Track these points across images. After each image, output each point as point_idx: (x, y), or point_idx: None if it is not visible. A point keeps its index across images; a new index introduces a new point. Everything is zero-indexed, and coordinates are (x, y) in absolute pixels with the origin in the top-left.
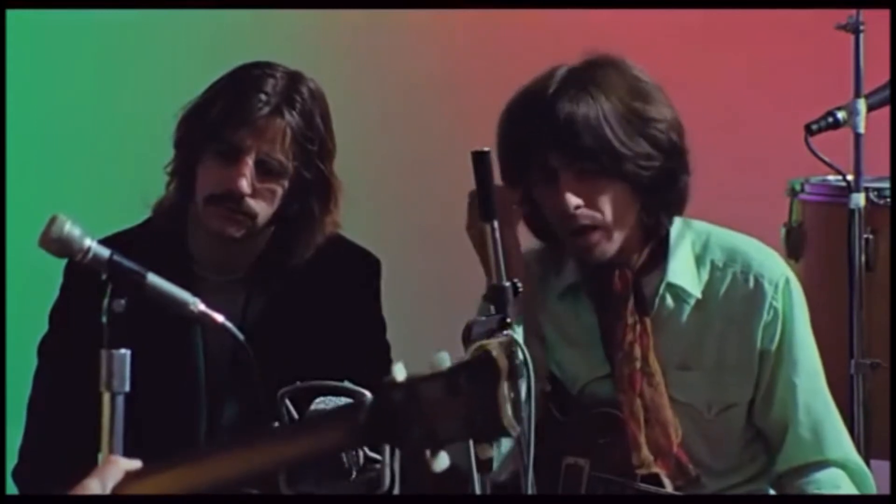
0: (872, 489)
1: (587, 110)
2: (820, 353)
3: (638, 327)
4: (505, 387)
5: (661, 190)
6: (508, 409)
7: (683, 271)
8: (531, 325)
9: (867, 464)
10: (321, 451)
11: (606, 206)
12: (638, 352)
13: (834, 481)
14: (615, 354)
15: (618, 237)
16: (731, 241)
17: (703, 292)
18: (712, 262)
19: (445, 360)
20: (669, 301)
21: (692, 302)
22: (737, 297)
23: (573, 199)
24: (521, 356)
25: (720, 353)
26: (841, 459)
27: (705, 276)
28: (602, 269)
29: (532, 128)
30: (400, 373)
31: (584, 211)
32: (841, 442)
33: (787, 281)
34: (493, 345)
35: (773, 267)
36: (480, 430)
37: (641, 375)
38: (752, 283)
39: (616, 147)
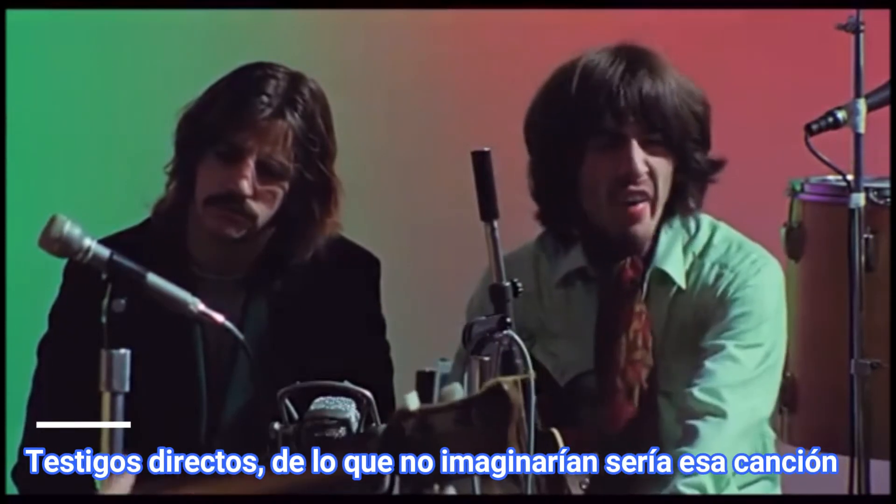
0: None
1: (664, 86)
2: (820, 353)
3: (643, 316)
4: (515, 422)
5: (696, 180)
6: (517, 445)
7: (672, 259)
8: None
9: (868, 464)
10: (332, 478)
11: (659, 181)
12: (640, 340)
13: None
14: (614, 341)
15: (655, 218)
16: (722, 235)
17: (685, 281)
18: (693, 253)
19: (458, 392)
20: (655, 287)
21: (674, 290)
22: (700, 286)
23: (643, 165)
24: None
25: (682, 343)
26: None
27: (687, 265)
28: (612, 255)
29: (606, 95)
30: (412, 402)
31: (645, 178)
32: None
33: (752, 263)
34: (507, 380)
35: (741, 258)
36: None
37: (641, 365)
38: (714, 274)
39: (686, 121)
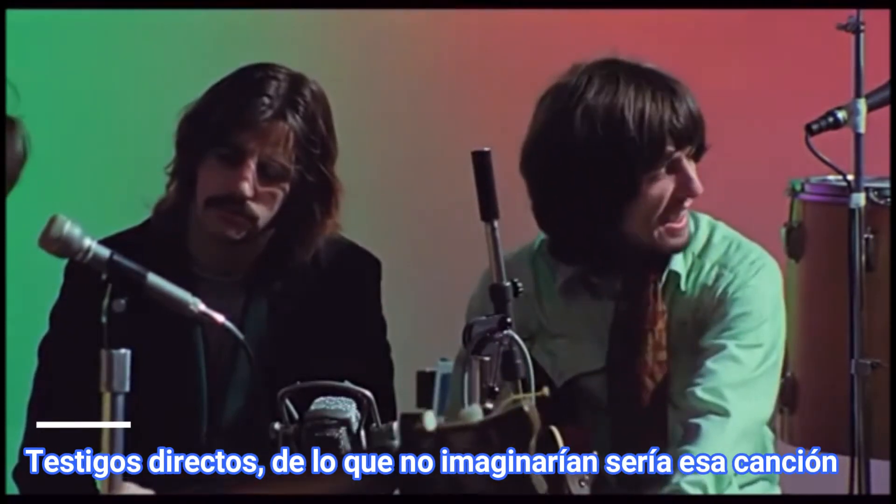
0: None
1: (695, 99)
2: (820, 353)
3: (666, 315)
4: (534, 443)
5: None
6: None
7: (678, 259)
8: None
9: (868, 464)
10: (349, 491)
11: None
12: (665, 340)
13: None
14: (640, 340)
15: None
16: (721, 234)
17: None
18: (693, 253)
19: (476, 413)
20: (664, 287)
21: (676, 290)
22: (700, 286)
23: (699, 179)
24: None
25: (681, 342)
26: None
27: (687, 266)
28: (640, 267)
29: (670, 124)
30: (430, 422)
31: None
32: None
33: (752, 263)
34: (527, 401)
35: (740, 259)
36: (507, 485)
37: (665, 364)
38: (714, 275)
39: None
